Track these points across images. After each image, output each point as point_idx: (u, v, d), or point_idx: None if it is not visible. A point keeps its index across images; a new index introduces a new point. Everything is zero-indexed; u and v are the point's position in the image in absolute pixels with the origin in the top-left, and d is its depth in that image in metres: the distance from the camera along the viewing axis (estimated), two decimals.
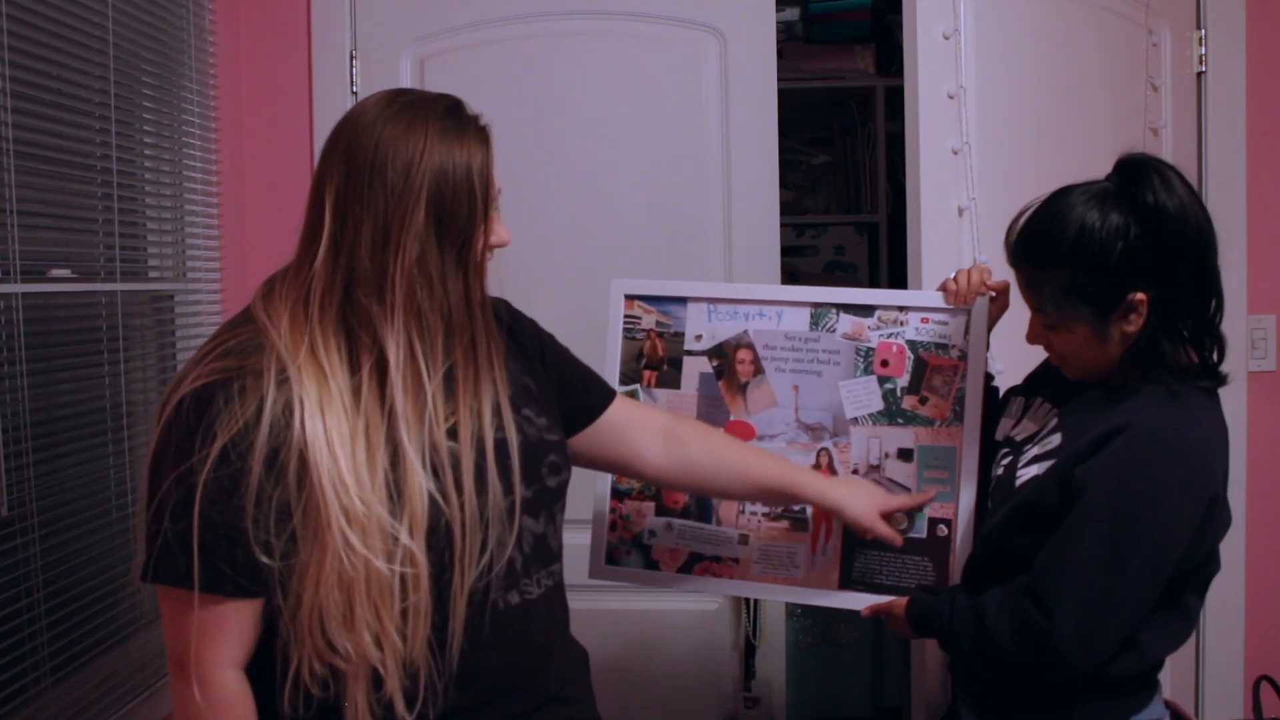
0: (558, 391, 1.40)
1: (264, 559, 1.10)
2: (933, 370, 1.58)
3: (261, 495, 1.09)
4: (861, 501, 1.51)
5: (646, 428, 1.50)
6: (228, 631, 1.13)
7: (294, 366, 1.11)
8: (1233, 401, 2.25)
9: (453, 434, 1.17)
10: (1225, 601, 2.29)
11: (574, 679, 1.36)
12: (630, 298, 1.68)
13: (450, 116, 1.18)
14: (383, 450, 1.13)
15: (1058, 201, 1.33)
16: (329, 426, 1.10)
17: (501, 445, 1.21)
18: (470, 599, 1.17)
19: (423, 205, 1.13)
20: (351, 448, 1.11)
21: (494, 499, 1.19)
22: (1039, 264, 1.33)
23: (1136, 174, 1.30)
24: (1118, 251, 1.28)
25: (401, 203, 1.12)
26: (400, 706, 1.14)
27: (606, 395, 1.49)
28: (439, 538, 1.15)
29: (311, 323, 1.13)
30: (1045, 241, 1.32)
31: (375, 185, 1.12)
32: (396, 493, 1.12)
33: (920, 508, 1.56)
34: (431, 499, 1.14)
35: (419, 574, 1.12)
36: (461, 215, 1.15)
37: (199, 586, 1.10)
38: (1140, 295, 1.29)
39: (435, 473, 1.15)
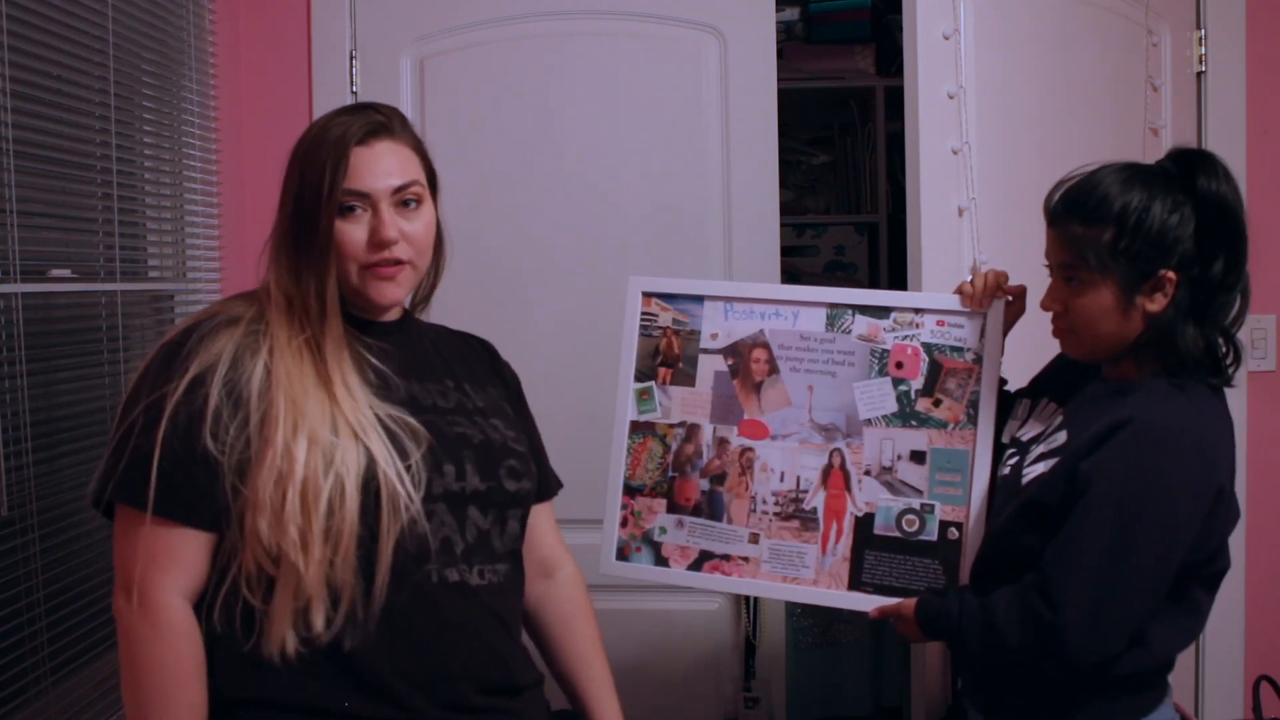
0: None
1: (216, 453, 1.17)
2: (947, 373, 1.57)
3: (220, 414, 1.18)
4: None
5: (545, 542, 1.50)
6: (175, 559, 1.18)
7: (271, 309, 1.24)
8: (1232, 401, 2.24)
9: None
10: (1225, 601, 2.26)
11: (525, 694, 1.34)
12: (648, 295, 1.68)
13: (357, 109, 1.31)
14: (326, 397, 1.22)
15: (1110, 167, 1.37)
16: (293, 355, 1.22)
17: (490, 442, 1.32)
18: (400, 548, 1.21)
19: (295, 173, 1.27)
20: (308, 378, 1.21)
21: (414, 461, 1.24)
22: (1084, 218, 1.34)
23: (1197, 161, 1.34)
24: (1162, 223, 1.31)
25: (304, 191, 1.25)
26: (318, 622, 1.18)
27: (551, 488, 1.51)
28: (369, 489, 1.20)
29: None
30: (1096, 198, 1.34)
31: (292, 180, 1.27)
32: (337, 435, 1.20)
33: None
34: (369, 455, 1.21)
35: (345, 496, 1.18)
36: (312, 185, 1.24)
37: (153, 508, 1.15)
38: (1171, 274, 1.31)
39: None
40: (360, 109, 1.31)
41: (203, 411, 1.18)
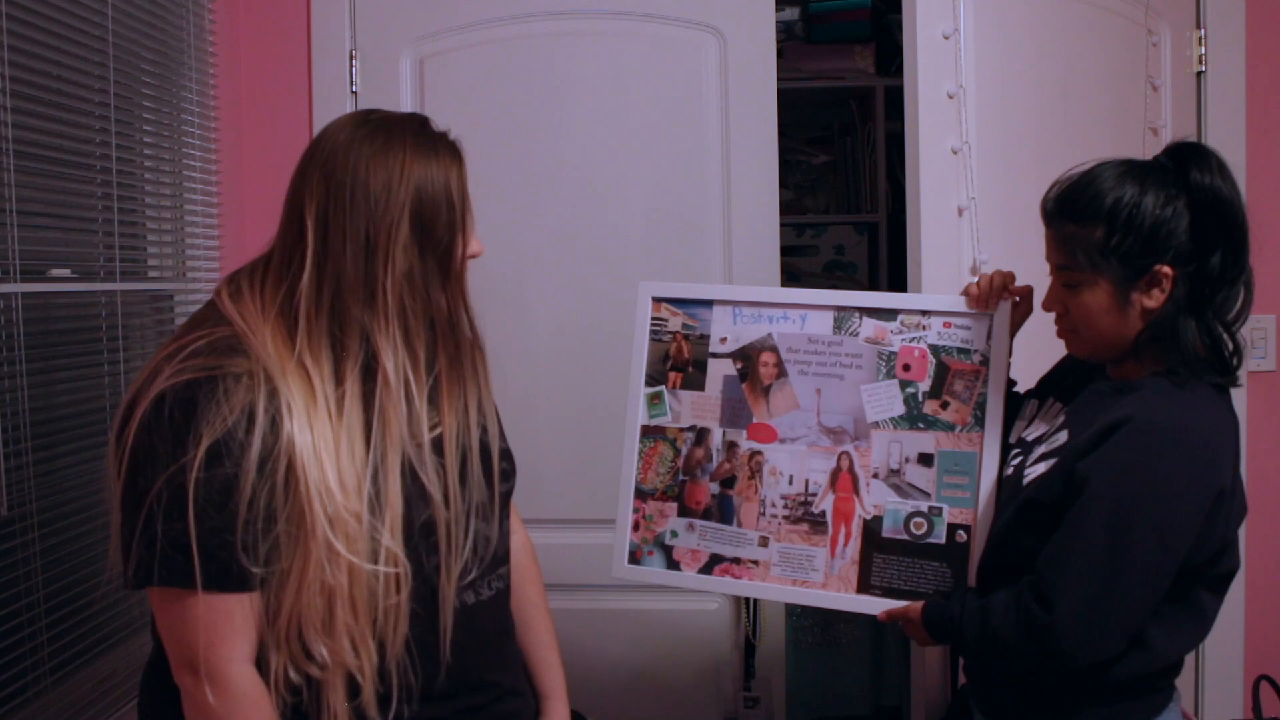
0: None
1: (248, 564, 1.11)
2: (954, 375, 1.57)
3: (254, 499, 1.10)
4: None
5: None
6: (235, 627, 1.13)
7: (281, 376, 1.13)
8: (1233, 402, 2.25)
9: (437, 437, 1.20)
10: (1225, 601, 2.27)
11: (521, 690, 1.39)
12: (657, 300, 1.69)
13: (423, 133, 1.22)
14: (366, 455, 1.15)
15: (1105, 164, 1.36)
16: (316, 434, 1.13)
17: (484, 447, 1.27)
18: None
19: (406, 217, 1.17)
20: (336, 454, 1.13)
21: (477, 497, 1.22)
22: (1076, 217, 1.34)
23: (1193, 155, 1.32)
24: (1154, 218, 1.30)
25: (386, 215, 1.16)
26: (373, 711, 1.16)
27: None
28: (414, 538, 1.17)
29: (300, 335, 1.15)
30: (1087, 196, 1.33)
31: (358, 200, 1.15)
32: (379, 496, 1.15)
33: None
34: (409, 501, 1.17)
35: (400, 574, 1.15)
36: (441, 226, 1.20)
37: (203, 585, 1.10)
38: (1167, 269, 1.30)
39: (415, 474, 1.18)
40: (410, 117, 1.25)
41: (231, 484, 1.10)
